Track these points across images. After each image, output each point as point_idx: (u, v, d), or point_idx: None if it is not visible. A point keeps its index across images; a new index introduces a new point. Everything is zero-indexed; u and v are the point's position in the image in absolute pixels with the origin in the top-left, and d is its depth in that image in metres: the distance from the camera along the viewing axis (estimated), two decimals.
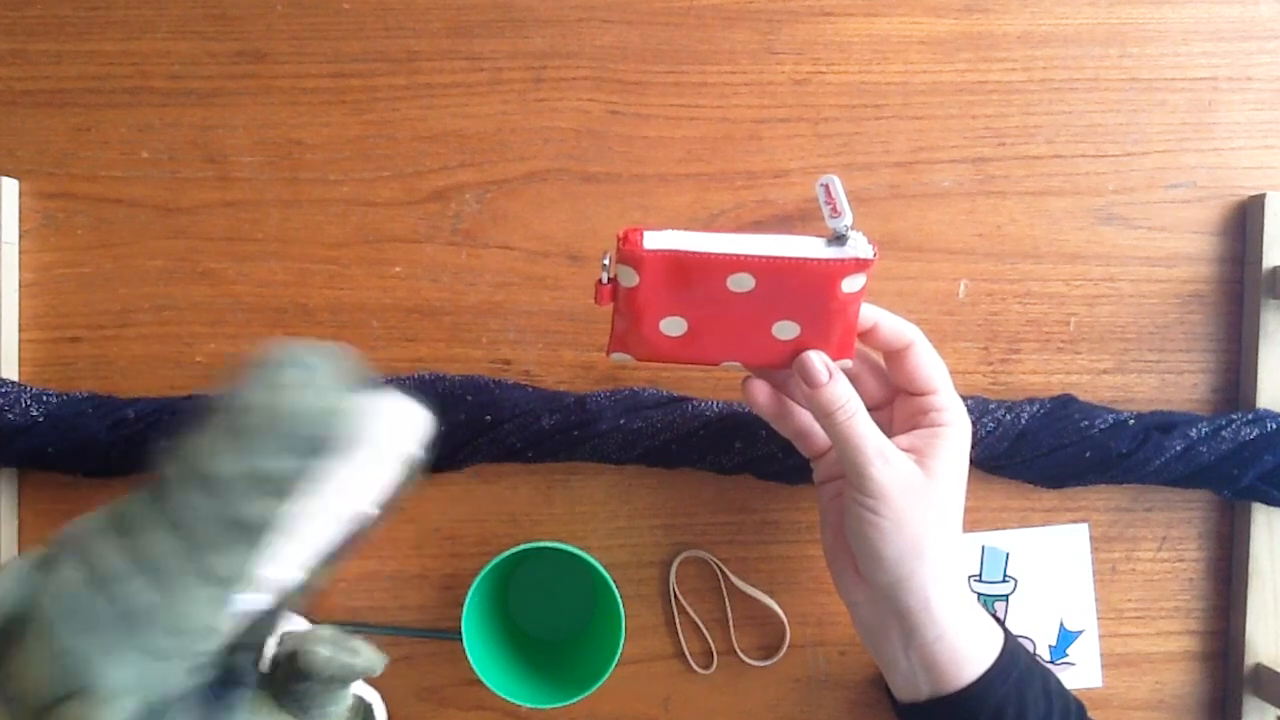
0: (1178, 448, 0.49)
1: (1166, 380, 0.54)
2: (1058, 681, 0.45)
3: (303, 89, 0.54)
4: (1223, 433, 0.50)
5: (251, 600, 0.35)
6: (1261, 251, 0.52)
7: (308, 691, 0.38)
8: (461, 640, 0.48)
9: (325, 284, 0.54)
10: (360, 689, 0.51)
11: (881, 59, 0.54)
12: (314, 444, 0.34)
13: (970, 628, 0.43)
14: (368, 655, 0.38)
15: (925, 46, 0.54)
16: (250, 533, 0.34)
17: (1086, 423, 0.50)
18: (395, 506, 0.40)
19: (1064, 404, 0.51)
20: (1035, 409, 0.51)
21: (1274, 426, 0.50)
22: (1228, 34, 0.54)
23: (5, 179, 0.52)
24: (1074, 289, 0.54)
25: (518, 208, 0.54)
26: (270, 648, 0.41)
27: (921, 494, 0.42)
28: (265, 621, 0.36)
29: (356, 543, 0.39)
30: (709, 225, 0.54)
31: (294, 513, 0.35)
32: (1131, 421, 0.50)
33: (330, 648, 0.38)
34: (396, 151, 0.54)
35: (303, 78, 0.54)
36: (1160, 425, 0.50)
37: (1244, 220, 0.54)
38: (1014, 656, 0.43)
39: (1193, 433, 0.50)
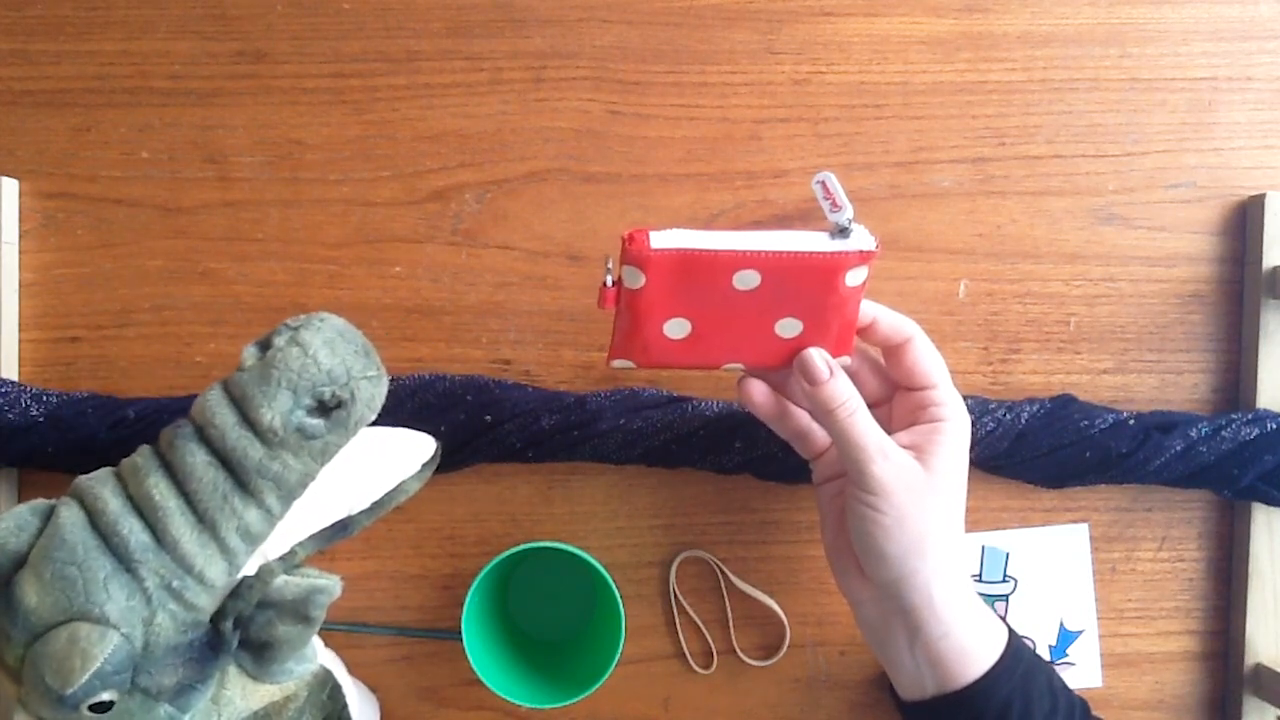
0: (1178, 448, 0.49)
1: (1166, 380, 0.54)
2: (1060, 678, 0.45)
3: (303, 89, 0.54)
4: (1223, 433, 0.50)
5: (239, 558, 0.36)
6: (1261, 251, 0.52)
7: (270, 634, 0.37)
8: (461, 640, 0.48)
9: (325, 284, 0.54)
10: (344, 677, 0.51)
11: (881, 59, 0.54)
12: (328, 405, 0.35)
13: (975, 624, 0.43)
14: (320, 575, 0.38)
15: (925, 46, 0.54)
16: (244, 485, 0.35)
17: (1086, 423, 0.50)
18: (378, 516, 0.40)
19: (1064, 404, 0.51)
20: (1035, 409, 0.51)
21: (1274, 426, 0.50)
22: (1228, 34, 0.54)
23: (5, 179, 0.52)
24: (1074, 289, 0.54)
25: (518, 208, 0.54)
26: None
27: (923, 490, 0.42)
28: (250, 589, 0.36)
29: (337, 537, 0.39)
30: (709, 225, 0.54)
31: (290, 475, 0.35)
32: (1131, 421, 0.50)
33: (283, 574, 0.38)
34: (396, 151, 0.54)
35: (303, 78, 0.54)
36: (1160, 425, 0.50)
37: (1244, 220, 0.54)
38: (1018, 652, 0.43)
39: (1193, 433, 0.50)
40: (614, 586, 0.48)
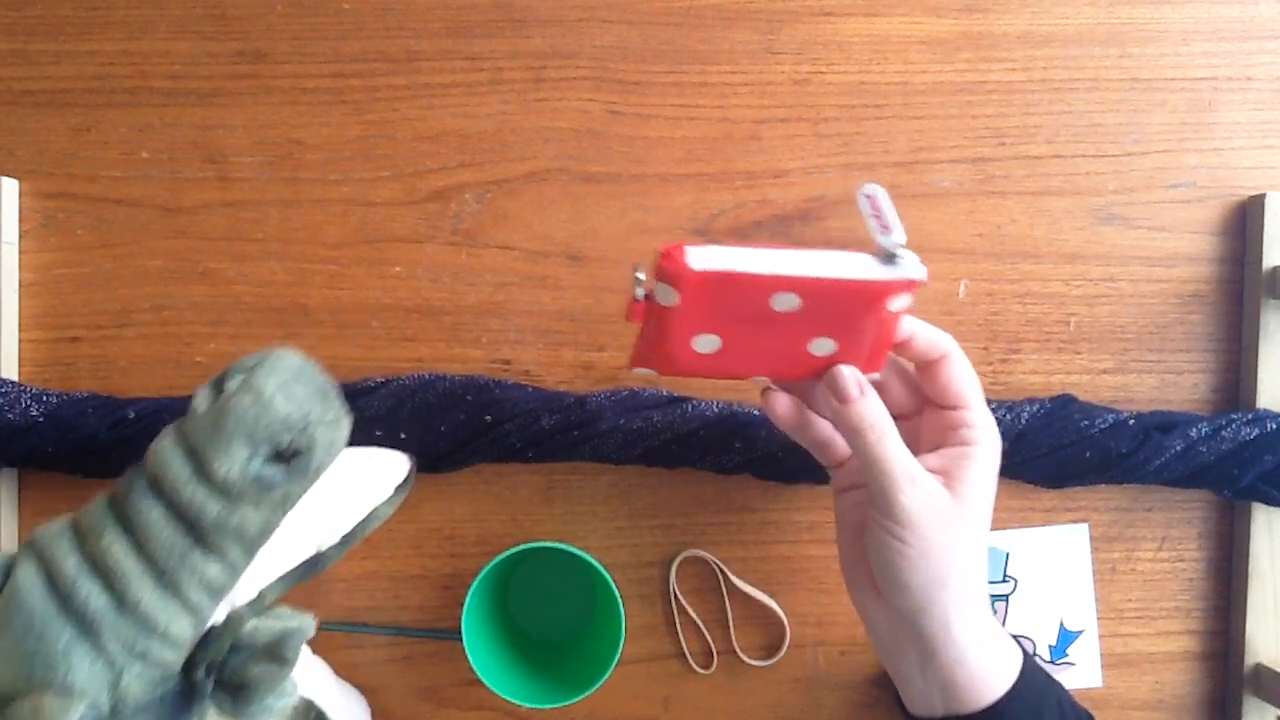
0: (1178, 448, 0.49)
1: (1166, 380, 0.54)
2: (1070, 698, 0.44)
3: (303, 89, 0.54)
4: (1223, 433, 0.50)
5: (205, 612, 0.34)
6: (1261, 251, 0.52)
7: (245, 676, 0.37)
8: (461, 640, 0.48)
9: (325, 284, 0.54)
10: (328, 682, 0.50)
11: (881, 59, 0.54)
12: (286, 454, 0.34)
13: (990, 650, 0.41)
14: (292, 615, 0.37)
15: (925, 46, 0.54)
16: (203, 540, 0.33)
17: (1086, 423, 0.50)
18: (350, 547, 0.39)
19: (1064, 404, 0.51)
20: (1035, 409, 0.51)
21: (1274, 426, 0.50)
22: (1228, 34, 0.54)
23: (5, 179, 0.52)
24: (1074, 289, 0.54)
25: (518, 208, 0.54)
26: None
27: (950, 519, 0.40)
28: (219, 637, 0.35)
29: (308, 575, 0.38)
30: (708, 225, 0.54)
31: (250, 528, 0.34)
32: (1131, 421, 0.50)
33: (253, 619, 0.38)
34: (396, 151, 0.54)
35: (303, 78, 0.54)
36: (1160, 425, 0.50)
37: (1244, 220, 0.54)
38: (1031, 675, 0.42)
39: (1193, 433, 0.50)
40: (614, 586, 0.48)
